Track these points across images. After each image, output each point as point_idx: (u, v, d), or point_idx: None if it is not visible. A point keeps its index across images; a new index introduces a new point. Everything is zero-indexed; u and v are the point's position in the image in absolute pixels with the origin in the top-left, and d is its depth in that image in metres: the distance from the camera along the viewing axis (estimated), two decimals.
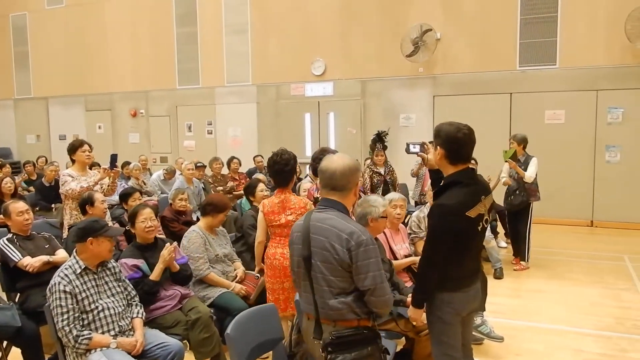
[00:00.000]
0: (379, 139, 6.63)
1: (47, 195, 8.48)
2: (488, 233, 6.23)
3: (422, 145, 2.97)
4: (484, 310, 4.49)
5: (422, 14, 9.80)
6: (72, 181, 4.89)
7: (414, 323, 2.91)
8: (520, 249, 6.65)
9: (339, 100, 10.76)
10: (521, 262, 6.60)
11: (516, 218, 6.67)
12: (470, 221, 2.60)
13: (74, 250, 3.17)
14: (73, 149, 5.06)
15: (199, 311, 3.52)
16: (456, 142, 2.62)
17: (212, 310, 3.75)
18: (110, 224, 5.10)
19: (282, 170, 3.83)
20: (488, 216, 2.76)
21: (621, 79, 8.72)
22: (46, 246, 4.05)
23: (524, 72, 9.31)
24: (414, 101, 10.19)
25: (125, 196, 5.36)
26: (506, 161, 6.53)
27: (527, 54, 9.25)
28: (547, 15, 9.04)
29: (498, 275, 6.18)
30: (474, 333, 4.52)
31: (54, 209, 8.24)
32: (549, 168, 8.65)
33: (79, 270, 3.07)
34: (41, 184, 8.68)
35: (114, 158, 5.18)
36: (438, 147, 2.68)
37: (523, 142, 6.60)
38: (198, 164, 8.39)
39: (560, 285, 5.96)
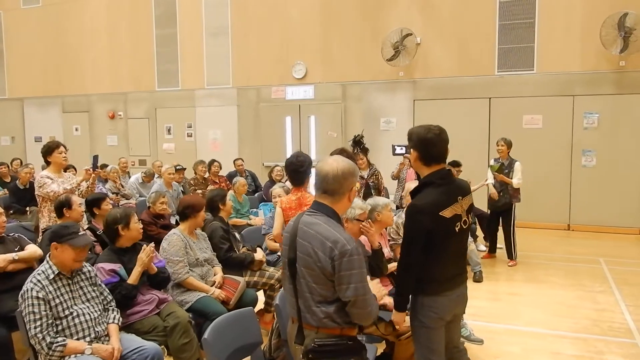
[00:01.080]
0: (356, 143, 6.64)
1: (21, 198, 8.29)
2: None
3: (407, 146, 3.01)
4: (464, 312, 4.51)
5: (402, 19, 9.86)
6: (52, 183, 4.77)
7: (397, 327, 2.91)
8: (507, 249, 7.04)
9: (320, 103, 10.76)
10: (512, 260, 7.00)
11: (499, 219, 7.06)
12: (444, 221, 2.63)
13: (48, 254, 3.09)
14: (49, 150, 4.94)
15: (178, 316, 3.46)
16: (427, 142, 2.69)
17: (190, 315, 3.69)
18: (85, 226, 5.01)
19: (297, 170, 4.15)
20: (467, 217, 2.77)
21: (596, 84, 8.89)
22: (16, 248, 3.95)
23: (502, 77, 9.43)
24: (395, 105, 10.24)
25: (97, 201, 5.13)
26: (493, 174, 6.93)
27: (505, 59, 9.38)
28: (525, 22, 9.17)
29: (477, 279, 6.22)
30: None
31: (28, 212, 8.07)
32: (526, 172, 8.68)
33: (52, 276, 3.00)
34: (15, 186, 8.48)
35: (95, 159, 5.12)
36: (412, 149, 2.76)
37: (511, 146, 7.03)
38: (177, 167, 8.30)
39: (537, 288, 6.02)
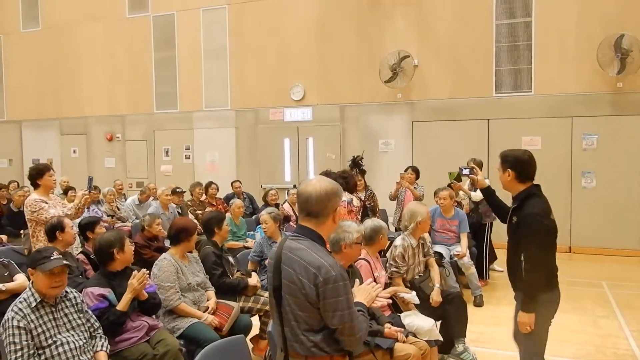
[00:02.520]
0: (355, 164, 6.58)
1: (15, 221, 8.18)
2: (467, 259, 6.18)
3: (472, 168, 3.79)
4: (465, 336, 4.41)
5: (399, 41, 9.90)
6: (50, 208, 4.67)
7: (528, 327, 3.15)
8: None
9: (318, 125, 10.75)
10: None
11: (473, 238, 6.87)
12: (554, 223, 3.18)
13: (30, 282, 2.98)
14: (40, 173, 4.82)
15: (168, 344, 3.34)
16: (524, 163, 3.24)
17: (181, 342, 3.58)
18: (79, 250, 4.92)
19: None
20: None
21: (594, 105, 8.87)
22: (5, 274, 3.86)
23: (500, 98, 9.42)
24: (393, 126, 10.22)
25: (90, 225, 5.02)
26: (451, 182, 6.63)
27: (503, 81, 9.38)
28: (522, 44, 9.21)
29: (478, 303, 6.10)
30: None
31: (22, 236, 7.96)
32: None
33: (34, 304, 2.88)
34: (9, 209, 8.39)
35: (90, 181, 5.10)
36: (508, 170, 3.25)
37: (481, 165, 7.01)
38: (177, 189, 8.18)
39: None
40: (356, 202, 5.39)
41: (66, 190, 9.05)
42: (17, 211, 8.33)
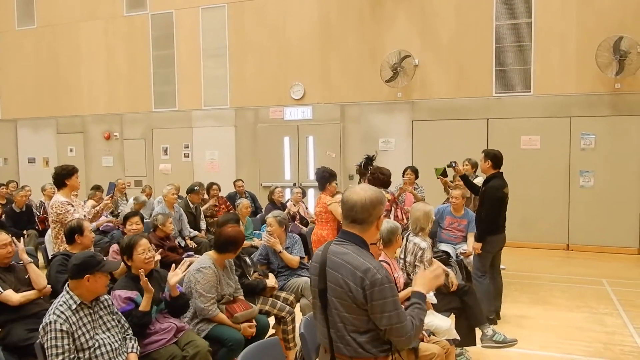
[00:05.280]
0: (370, 163, 6.61)
1: (17, 221, 8.17)
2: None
3: (455, 162, 6.04)
4: (487, 322, 4.79)
5: (400, 41, 9.97)
6: (75, 211, 4.71)
7: (479, 250, 5.36)
8: None
9: (318, 124, 10.79)
10: None
11: None
12: (504, 195, 5.31)
13: (67, 284, 3.01)
14: (69, 174, 4.86)
15: (197, 345, 3.37)
16: (498, 157, 5.37)
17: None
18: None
19: (319, 179, 5.91)
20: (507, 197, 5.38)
21: (593, 106, 9.02)
22: (26, 277, 3.88)
23: (500, 98, 9.54)
24: (393, 126, 10.29)
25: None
26: (437, 177, 6.75)
27: (502, 81, 9.50)
28: (522, 44, 9.32)
29: None
30: (489, 344, 4.81)
31: (25, 236, 7.94)
32: (525, 192, 8.81)
33: (74, 306, 2.91)
34: (11, 209, 8.34)
35: (112, 186, 5.26)
36: (488, 160, 5.36)
37: (476, 166, 7.17)
38: (195, 188, 8.07)
39: (544, 310, 6.01)
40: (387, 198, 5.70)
41: None
42: (20, 211, 8.30)
